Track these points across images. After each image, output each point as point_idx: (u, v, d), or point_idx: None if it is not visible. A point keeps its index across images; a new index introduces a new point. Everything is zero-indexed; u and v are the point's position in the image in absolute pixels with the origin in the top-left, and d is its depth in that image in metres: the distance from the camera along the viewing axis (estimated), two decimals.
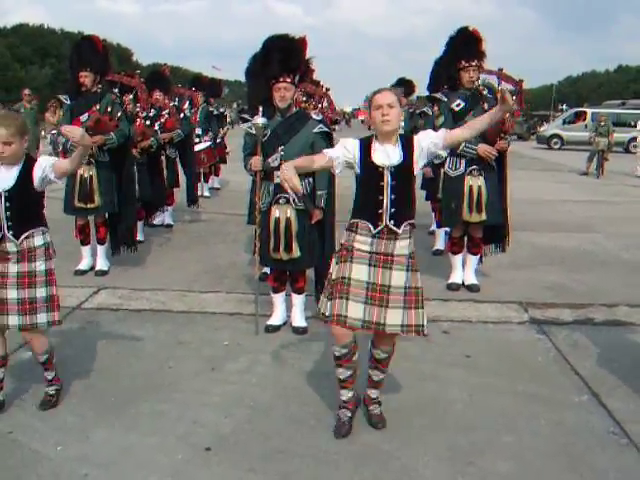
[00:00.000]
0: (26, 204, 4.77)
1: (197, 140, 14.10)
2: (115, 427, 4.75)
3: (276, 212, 6.41)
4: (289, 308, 6.85)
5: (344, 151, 4.58)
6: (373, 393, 4.91)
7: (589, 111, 41.56)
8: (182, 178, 12.33)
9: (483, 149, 7.64)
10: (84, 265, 8.79)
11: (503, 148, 7.88)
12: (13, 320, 4.72)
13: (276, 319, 6.81)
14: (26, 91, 21.23)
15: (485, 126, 4.63)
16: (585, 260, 9.99)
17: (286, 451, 4.46)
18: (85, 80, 8.46)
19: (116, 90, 9.35)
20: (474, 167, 7.75)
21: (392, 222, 4.46)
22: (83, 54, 8.53)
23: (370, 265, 4.51)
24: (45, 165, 4.73)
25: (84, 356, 5.82)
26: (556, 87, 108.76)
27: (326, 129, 6.60)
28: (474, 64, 7.82)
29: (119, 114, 8.67)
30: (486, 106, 7.68)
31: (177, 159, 12.05)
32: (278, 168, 6.36)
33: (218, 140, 16.06)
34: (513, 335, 6.67)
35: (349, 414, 4.77)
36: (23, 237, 4.73)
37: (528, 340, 6.55)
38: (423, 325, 4.57)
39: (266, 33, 6.58)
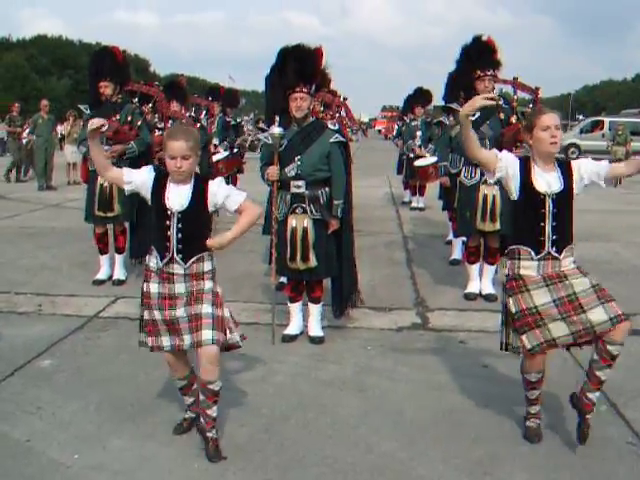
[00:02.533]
0: (198, 225, 4.60)
1: (213, 150, 14.13)
2: (132, 436, 4.77)
3: (293, 222, 6.43)
4: (306, 318, 6.86)
5: (506, 162, 4.58)
6: (596, 397, 4.65)
7: (606, 120, 41.42)
8: None
9: None
10: (102, 274, 8.83)
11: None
12: (187, 339, 4.55)
13: (293, 329, 6.82)
14: (44, 102, 21.40)
15: None
16: (603, 269, 9.91)
17: (302, 461, 4.46)
18: (105, 90, 8.53)
19: (136, 100, 9.41)
20: None
21: (554, 249, 4.48)
22: (103, 64, 8.61)
23: (547, 286, 4.48)
24: (218, 192, 4.60)
25: (101, 365, 5.85)
26: (573, 96, 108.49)
27: (342, 139, 6.61)
28: (489, 73, 7.82)
29: (139, 123, 8.73)
30: (502, 116, 7.68)
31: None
32: (294, 178, 6.40)
33: (235, 150, 16.09)
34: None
35: (538, 421, 4.83)
36: (191, 262, 4.54)
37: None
38: (622, 314, 4.38)
39: (282, 44, 6.63)
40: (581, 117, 56.37)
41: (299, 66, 6.33)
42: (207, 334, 4.43)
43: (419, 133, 15.89)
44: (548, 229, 4.45)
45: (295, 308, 6.86)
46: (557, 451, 4.63)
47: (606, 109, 68.99)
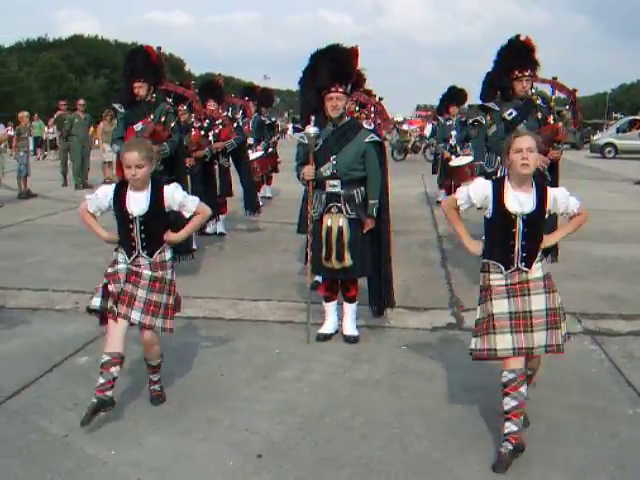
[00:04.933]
0: (159, 225, 5.13)
1: (249, 150, 14.19)
2: (168, 433, 4.81)
3: (328, 221, 6.44)
4: (340, 317, 6.87)
5: (465, 196, 4.82)
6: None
7: None
8: (235, 187, 12.39)
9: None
10: None
11: (556, 157, 7.82)
12: (136, 315, 5.01)
13: (327, 328, 6.83)
14: (80, 101, 21.57)
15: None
16: (639, 270, 9.84)
17: (337, 459, 4.47)
18: (139, 90, 8.59)
19: (170, 100, 9.46)
20: None
21: (523, 264, 4.64)
22: (137, 64, 8.67)
23: (509, 297, 4.65)
24: (173, 198, 5.10)
25: (137, 363, 5.88)
26: (609, 95, 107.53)
27: (378, 138, 6.60)
28: (527, 74, 7.78)
29: (172, 124, 8.77)
30: (539, 115, 7.64)
31: (230, 168, 12.11)
32: (330, 177, 6.40)
33: (270, 149, 16.15)
34: (566, 346, 6.59)
35: (510, 447, 4.45)
36: (156, 254, 5.12)
37: (581, 351, 6.48)
38: (561, 344, 4.69)
39: (317, 42, 6.67)
40: (619, 116, 55.87)
41: (335, 66, 6.33)
42: (159, 322, 5.09)
43: (454, 133, 15.85)
44: (518, 247, 4.62)
45: (330, 307, 6.87)
46: (593, 452, 4.59)
47: None
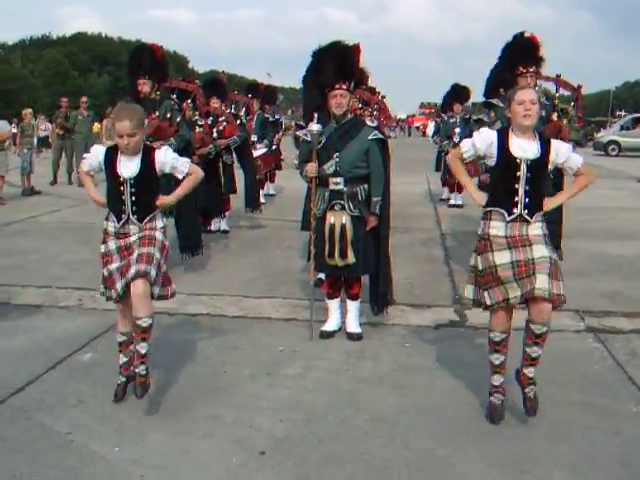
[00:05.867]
0: (149, 189, 5.12)
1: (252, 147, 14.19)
2: (171, 430, 4.81)
3: (331, 218, 6.44)
4: (344, 314, 6.87)
5: (471, 145, 5.01)
6: (530, 372, 4.95)
7: None
8: (239, 184, 12.39)
9: None
10: None
11: None
12: (132, 270, 4.92)
13: (331, 325, 6.84)
14: (83, 99, 21.54)
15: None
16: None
17: (340, 456, 4.47)
18: (143, 87, 8.60)
19: (174, 96, 9.46)
20: None
21: (525, 212, 4.77)
22: (141, 62, 8.68)
23: (509, 248, 4.79)
24: (164, 160, 5.16)
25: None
26: (613, 92, 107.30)
27: (381, 136, 6.60)
28: (532, 70, 7.78)
29: (178, 119, 8.78)
30: (543, 113, 7.62)
31: (234, 165, 12.11)
32: (333, 174, 6.41)
33: (273, 147, 16.15)
34: (569, 344, 6.60)
35: (502, 397, 4.98)
36: (146, 221, 5.11)
37: (584, 349, 6.48)
38: (562, 295, 4.77)
39: (320, 40, 6.65)
40: (622, 113, 55.75)
41: (338, 63, 6.34)
42: (153, 271, 4.96)
43: (457, 130, 15.83)
44: (521, 192, 4.75)
45: (333, 304, 6.87)
46: (596, 450, 4.59)
47: None
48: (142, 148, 5.10)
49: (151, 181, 5.12)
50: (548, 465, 4.40)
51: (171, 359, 6.01)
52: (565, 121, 7.37)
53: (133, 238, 5.06)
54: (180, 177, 5.28)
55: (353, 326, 6.77)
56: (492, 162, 4.89)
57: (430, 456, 4.50)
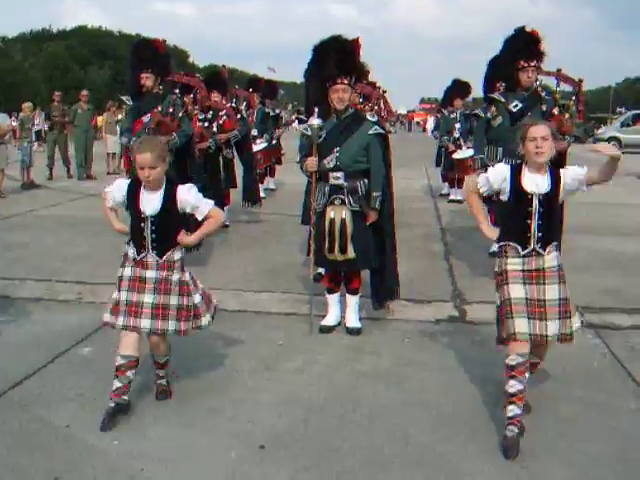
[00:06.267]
0: (171, 226, 4.99)
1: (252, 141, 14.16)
2: (171, 424, 4.82)
3: (331, 213, 6.43)
4: (343, 309, 6.87)
5: (486, 181, 4.99)
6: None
7: None
8: (239, 179, 12.37)
9: None
10: None
11: (562, 149, 7.81)
12: (145, 323, 4.89)
13: (330, 320, 6.83)
14: (83, 92, 21.49)
15: (612, 172, 4.82)
16: None
17: (340, 451, 4.47)
18: (146, 81, 8.58)
19: (177, 91, 9.45)
20: None
21: (539, 245, 4.75)
22: (144, 56, 8.66)
23: (524, 283, 4.75)
24: (186, 200, 4.96)
25: (141, 354, 5.89)
26: (614, 89, 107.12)
27: (381, 131, 6.59)
28: (533, 64, 7.77)
29: (180, 114, 8.76)
30: (544, 107, 7.62)
31: (234, 160, 12.10)
32: (333, 169, 6.40)
33: (274, 141, 16.14)
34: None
35: (516, 430, 4.55)
36: (166, 255, 4.97)
37: (584, 345, 6.47)
38: (572, 333, 4.81)
39: (321, 35, 6.62)
40: (623, 110, 55.66)
41: (339, 58, 6.32)
42: (171, 325, 4.94)
43: (457, 125, 15.84)
44: (534, 226, 4.74)
45: (333, 299, 6.87)
46: (596, 446, 4.59)
47: None
48: (165, 182, 4.95)
49: (172, 218, 4.97)
50: (547, 461, 4.40)
51: (172, 354, 6.00)
52: (567, 116, 7.36)
53: (149, 274, 4.92)
54: (199, 218, 5.09)
55: (353, 321, 6.77)
56: (505, 197, 4.89)
57: (429, 451, 4.50)
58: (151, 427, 4.76)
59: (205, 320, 5.15)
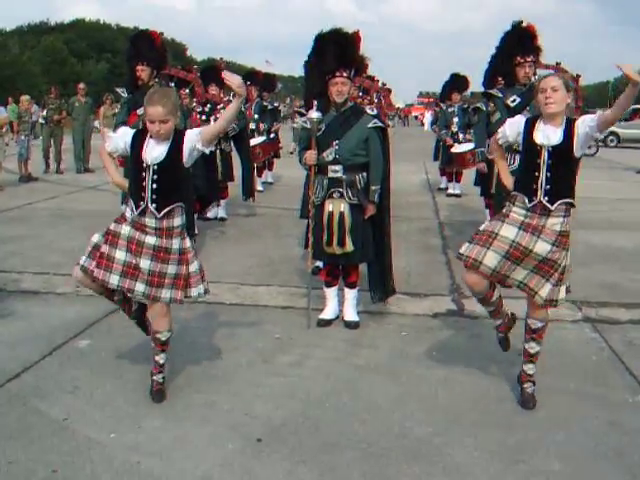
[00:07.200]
0: (172, 178, 4.84)
1: (250, 135, 14.14)
2: (168, 417, 4.81)
3: (330, 206, 6.43)
4: (341, 303, 6.87)
5: (503, 133, 5.13)
6: (530, 369, 5.11)
7: None
8: (237, 172, 12.37)
9: None
10: None
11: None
12: (140, 287, 4.83)
13: (328, 313, 6.83)
14: (81, 85, 21.49)
15: (627, 102, 4.68)
16: None
17: (337, 444, 4.47)
18: (142, 74, 8.57)
19: (172, 84, 9.43)
20: None
21: (546, 199, 4.77)
22: (140, 48, 8.65)
23: (520, 229, 4.83)
24: (192, 137, 4.81)
25: (138, 346, 5.88)
26: (612, 83, 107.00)
27: (381, 124, 6.59)
28: (530, 60, 7.77)
29: None
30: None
31: (231, 153, 12.08)
32: (332, 162, 6.39)
33: (272, 135, 16.13)
34: (566, 334, 6.61)
35: (501, 335, 5.35)
36: (164, 212, 4.78)
37: (582, 339, 6.49)
38: (556, 300, 4.92)
39: (320, 28, 6.61)
40: None
41: (339, 51, 6.30)
42: (166, 292, 4.86)
43: (456, 119, 15.84)
44: (542, 179, 4.77)
45: (331, 293, 6.86)
46: (593, 440, 4.60)
47: None
48: (173, 134, 4.81)
49: (176, 169, 4.82)
50: (543, 455, 4.40)
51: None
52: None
53: (148, 239, 4.81)
54: (207, 134, 4.84)
55: (350, 314, 6.77)
56: (520, 148, 5.02)
57: (426, 444, 4.50)
58: (147, 420, 4.75)
59: (196, 291, 4.99)
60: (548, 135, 4.76)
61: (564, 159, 4.77)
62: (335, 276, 6.85)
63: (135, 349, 5.85)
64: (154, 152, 4.76)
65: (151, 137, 4.78)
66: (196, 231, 10.48)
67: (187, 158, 4.84)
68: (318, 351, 6.08)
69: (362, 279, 6.97)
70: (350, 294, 6.78)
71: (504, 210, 4.96)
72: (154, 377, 5.09)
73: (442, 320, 7.00)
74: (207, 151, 5.02)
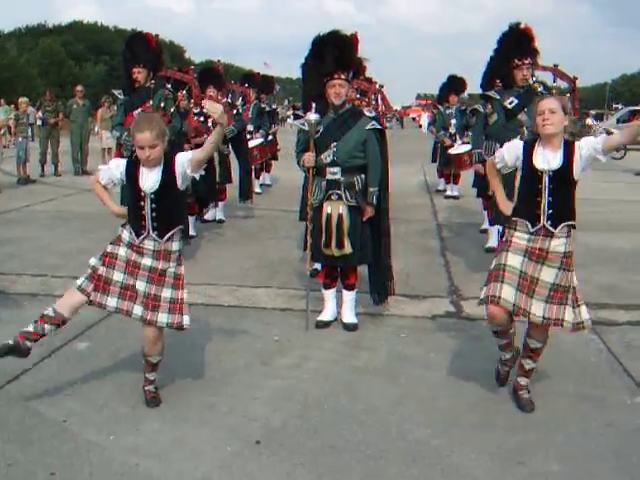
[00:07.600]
0: (170, 204, 4.87)
1: (249, 137, 14.14)
2: (166, 418, 4.82)
3: (328, 208, 6.43)
4: (339, 304, 6.87)
5: (501, 157, 5.10)
6: (523, 380, 5.16)
7: None
8: (234, 174, 12.37)
9: None
10: None
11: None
12: (137, 310, 4.86)
13: (327, 315, 6.83)
14: (79, 87, 21.48)
15: (635, 137, 4.86)
16: (639, 260, 9.84)
17: (336, 446, 4.47)
18: (138, 76, 8.58)
19: (169, 86, 9.44)
20: None
21: (549, 223, 4.80)
22: (136, 50, 8.67)
23: (525, 256, 4.86)
24: (183, 161, 4.82)
25: (136, 348, 5.88)
26: (610, 85, 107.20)
27: (379, 126, 6.59)
28: (527, 62, 7.77)
29: (172, 109, 8.76)
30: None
31: (229, 155, 12.09)
32: (330, 164, 6.39)
33: (269, 137, 16.12)
34: (565, 335, 6.58)
35: (507, 369, 5.32)
36: (166, 238, 4.83)
37: (580, 340, 6.47)
38: (565, 320, 4.89)
39: (318, 31, 6.61)
40: (619, 106, 55.59)
41: (337, 53, 6.31)
42: (163, 317, 4.85)
43: (453, 121, 15.84)
44: (544, 203, 4.78)
45: (329, 295, 6.87)
46: (591, 441, 4.60)
47: None
48: (163, 158, 4.81)
49: (172, 195, 4.85)
50: (543, 456, 4.41)
51: (166, 348, 5.98)
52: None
53: (144, 261, 4.85)
54: (197, 154, 4.87)
55: (349, 316, 6.77)
56: (520, 173, 4.96)
57: (425, 446, 4.50)
58: (146, 422, 4.76)
59: (187, 319, 4.98)
60: (548, 160, 4.78)
61: (565, 183, 4.80)
62: (333, 278, 6.85)
63: (133, 351, 5.84)
64: (149, 181, 4.80)
65: (144, 167, 4.81)
66: (194, 233, 10.51)
67: (181, 182, 4.88)
68: (317, 353, 6.08)
69: (361, 281, 6.98)
70: (348, 296, 6.78)
71: (504, 238, 5.00)
72: (146, 388, 5.11)
73: (441, 322, 7.01)
74: (197, 176, 5.12)
